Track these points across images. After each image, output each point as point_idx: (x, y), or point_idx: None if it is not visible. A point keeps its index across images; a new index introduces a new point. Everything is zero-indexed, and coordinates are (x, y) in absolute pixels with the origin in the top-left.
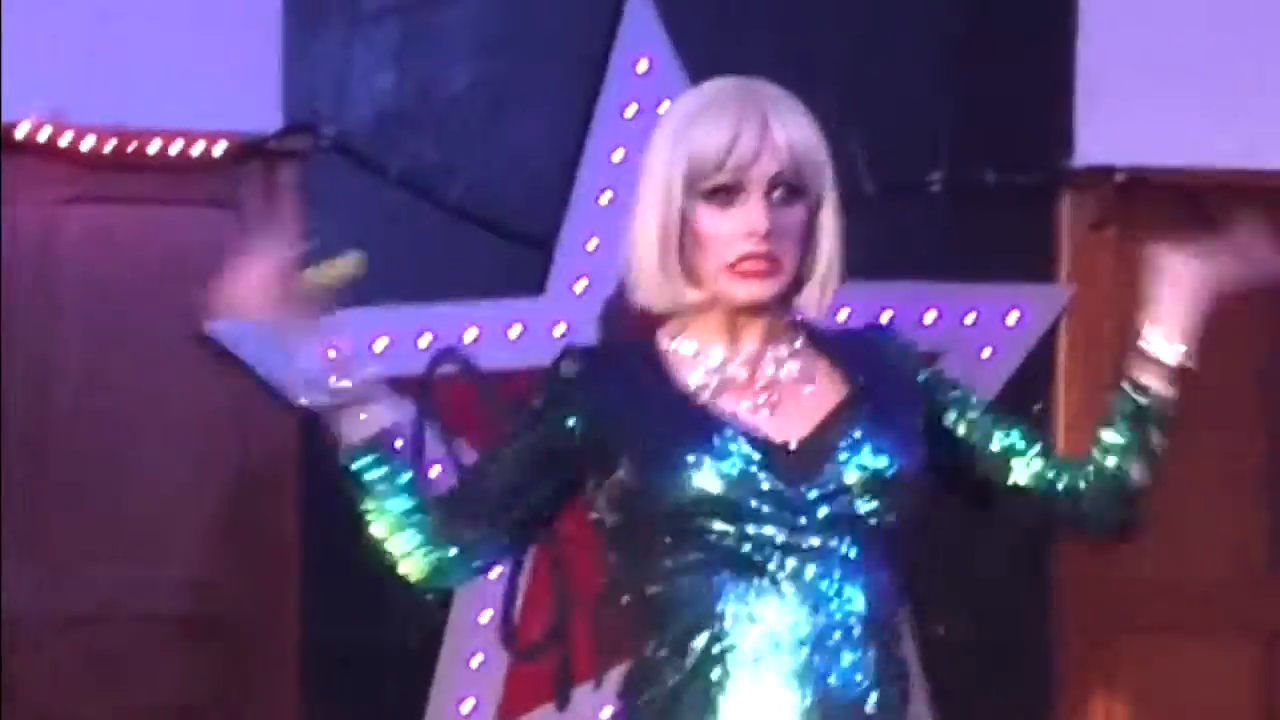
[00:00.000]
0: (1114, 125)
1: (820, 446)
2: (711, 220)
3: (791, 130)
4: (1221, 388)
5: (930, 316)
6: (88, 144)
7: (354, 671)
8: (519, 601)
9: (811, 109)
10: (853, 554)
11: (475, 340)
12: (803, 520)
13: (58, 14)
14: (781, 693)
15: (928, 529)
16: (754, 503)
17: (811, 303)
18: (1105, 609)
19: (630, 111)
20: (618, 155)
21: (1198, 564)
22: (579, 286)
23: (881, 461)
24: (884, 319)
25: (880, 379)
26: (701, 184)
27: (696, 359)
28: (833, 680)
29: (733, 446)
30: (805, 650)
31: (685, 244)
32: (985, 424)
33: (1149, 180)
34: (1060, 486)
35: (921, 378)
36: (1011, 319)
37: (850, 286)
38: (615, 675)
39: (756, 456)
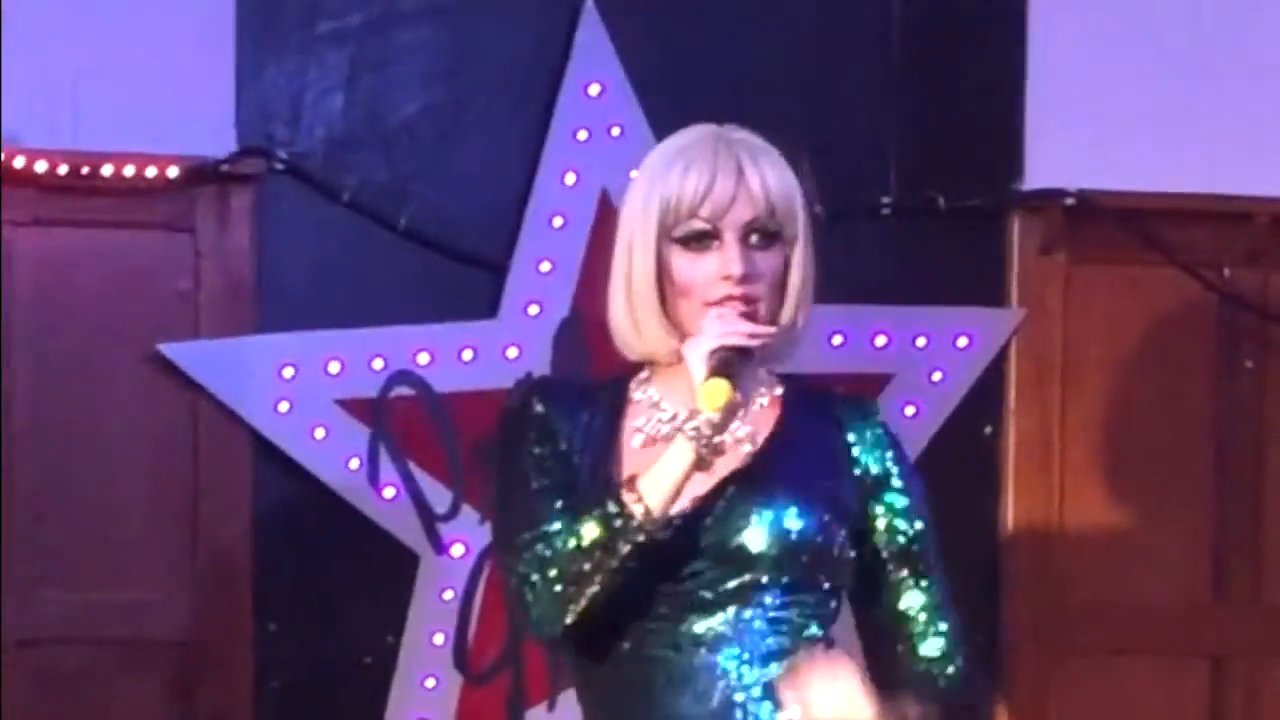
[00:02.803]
0: (1063, 149)
1: (698, 519)
2: (688, 266)
3: (767, 176)
4: (1168, 413)
5: (880, 340)
6: (41, 167)
7: (308, 693)
8: (473, 624)
9: (762, 134)
10: (754, 621)
11: (428, 363)
12: (699, 591)
13: (10, 38)
14: None
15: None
16: (654, 562)
17: (778, 346)
18: (1052, 632)
19: (582, 135)
20: (570, 178)
21: (1144, 588)
22: (532, 310)
23: (762, 540)
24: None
25: (808, 455)
26: (677, 230)
27: (652, 408)
28: None
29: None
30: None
31: (665, 293)
32: (899, 566)
33: (1098, 203)
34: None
35: (875, 470)
36: (962, 342)
37: None
38: (567, 698)
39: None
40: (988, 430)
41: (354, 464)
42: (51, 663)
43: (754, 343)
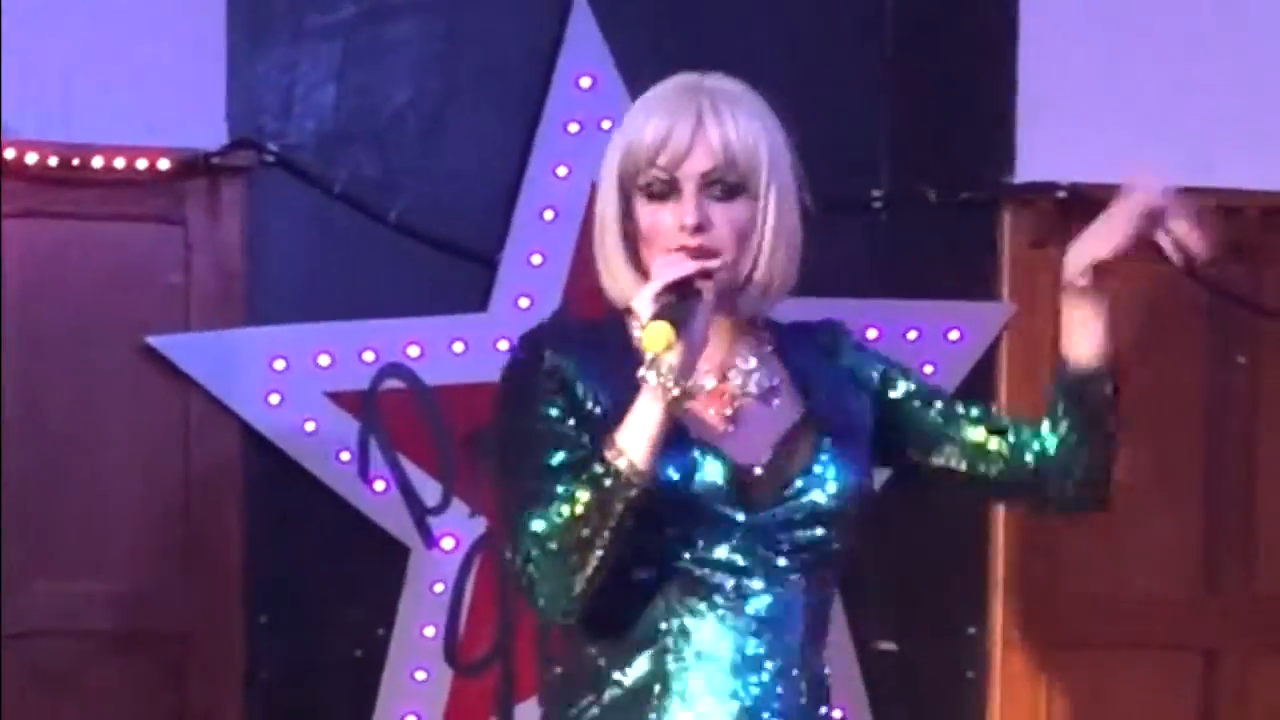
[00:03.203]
0: (1055, 142)
1: (781, 473)
2: (650, 214)
3: (728, 127)
4: (1159, 407)
5: (871, 333)
6: (32, 159)
7: (298, 686)
8: (463, 617)
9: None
10: (802, 583)
11: (419, 356)
12: (759, 548)
13: (1, 31)
14: (717, 713)
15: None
16: (713, 525)
17: (749, 304)
18: (1044, 625)
19: (573, 127)
20: (561, 171)
21: (1136, 581)
22: (523, 302)
23: (839, 493)
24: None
25: (835, 392)
26: (639, 178)
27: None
28: (769, 707)
29: (701, 464)
30: (745, 675)
31: (629, 238)
32: (949, 413)
33: (1090, 197)
34: (1029, 462)
35: (876, 375)
36: (953, 336)
37: (791, 304)
38: None
39: (722, 478)
40: None
41: (344, 457)
42: (41, 655)
43: (687, 271)
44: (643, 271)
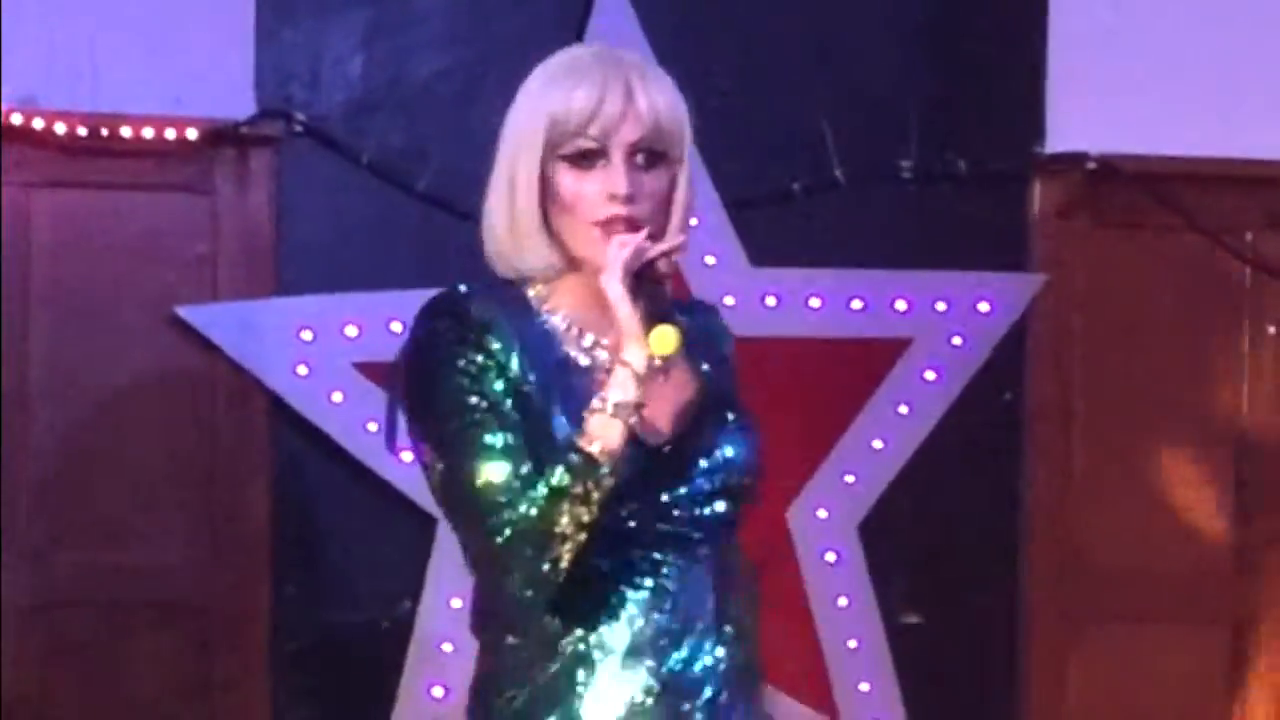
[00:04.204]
0: (1085, 112)
1: (686, 449)
2: (574, 182)
3: (655, 96)
4: (1188, 378)
5: (901, 304)
6: (61, 130)
7: (325, 657)
8: None
9: (783, 96)
10: (710, 554)
11: None
12: (668, 524)
13: (30, 0)
14: (642, 693)
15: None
16: (629, 503)
17: (663, 266)
18: (1072, 598)
19: None
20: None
21: (1164, 554)
22: None
23: (736, 464)
24: (855, 306)
25: (716, 367)
26: (564, 146)
27: (569, 333)
28: (689, 676)
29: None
30: (668, 650)
31: (547, 208)
32: None
33: (1120, 167)
34: None
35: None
36: (982, 307)
37: (821, 274)
38: None
39: (632, 455)
40: (1007, 395)
41: (371, 427)
42: (67, 626)
43: (659, 250)
44: (556, 240)
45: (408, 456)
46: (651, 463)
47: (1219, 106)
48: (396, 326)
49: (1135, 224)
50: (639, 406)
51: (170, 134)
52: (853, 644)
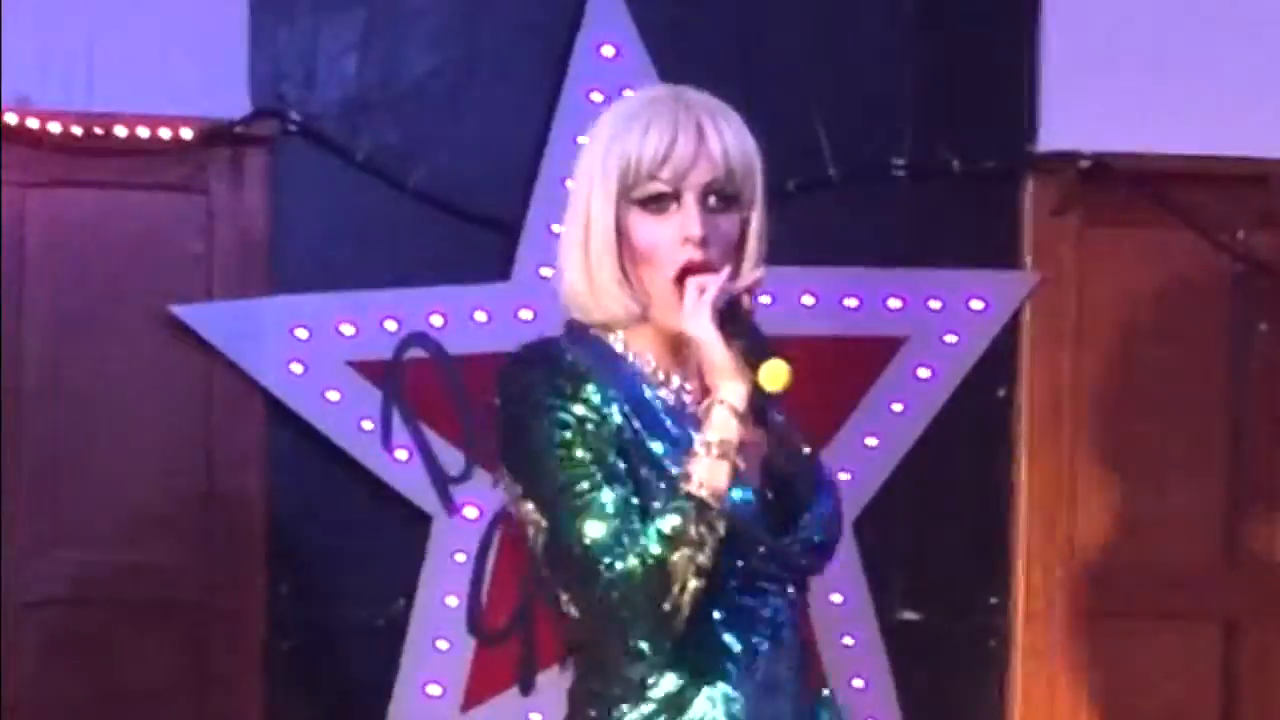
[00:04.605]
0: (1078, 110)
1: (786, 498)
2: (647, 228)
3: (727, 138)
4: (1181, 376)
5: (894, 303)
6: (55, 129)
7: (319, 656)
8: (485, 586)
9: (775, 94)
10: (796, 597)
11: (441, 325)
12: (773, 569)
13: (25, 0)
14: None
15: None
16: (744, 548)
17: (746, 303)
18: (1064, 595)
19: (596, 96)
20: (583, 140)
21: (1156, 551)
22: (545, 271)
23: (837, 518)
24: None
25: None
26: (635, 191)
27: (656, 376)
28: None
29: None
30: (769, 692)
31: (623, 256)
32: None
33: (1113, 166)
34: None
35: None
36: (975, 305)
37: (815, 272)
38: None
39: (752, 497)
40: (1001, 393)
41: (367, 426)
42: (63, 623)
43: (743, 286)
44: (633, 286)
45: (402, 454)
46: (761, 509)
47: (1211, 105)
48: (391, 325)
49: (1128, 222)
50: (741, 445)
51: (165, 133)
52: (848, 641)
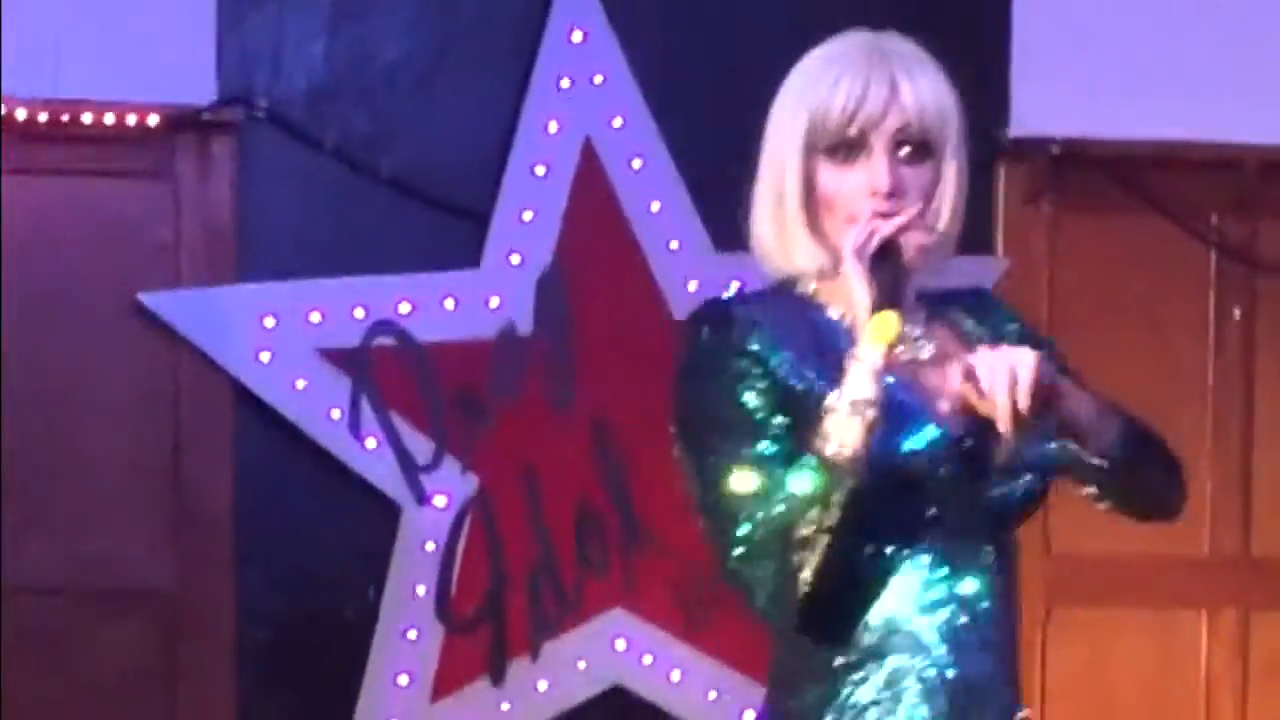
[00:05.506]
0: (1049, 97)
1: (987, 446)
2: (833, 178)
3: (921, 87)
4: (1155, 363)
5: None
6: (21, 116)
7: (290, 645)
8: (454, 576)
9: (747, 80)
10: (995, 560)
11: (410, 313)
12: (970, 517)
13: None
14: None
15: None
16: (942, 488)
17: (927, 267)
18: (1043, 584)
19: (565, 83)
20: (552, 127)
21: (1134, 540)
22: (514, 259)
23: (1028, 471)
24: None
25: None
26: (824, 140)
27: (846, 328)
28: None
29: (927, 423)
30: (964, 659)
31: (810, 205)
32: None
33: (1084, 152)
34: None
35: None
36: None
37: None
38: (549, 649)
39: (942, 440)
40: None
41: (335, 414)
42: (32, 614)
43: (892, 227)
44: (822, 238)
45: (371, 443)
46: (954, 455)
47: (1183, 91)
48: (360, 313)
49: (1100, 208)
50: (874, 403)
51: (131, 120)
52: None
